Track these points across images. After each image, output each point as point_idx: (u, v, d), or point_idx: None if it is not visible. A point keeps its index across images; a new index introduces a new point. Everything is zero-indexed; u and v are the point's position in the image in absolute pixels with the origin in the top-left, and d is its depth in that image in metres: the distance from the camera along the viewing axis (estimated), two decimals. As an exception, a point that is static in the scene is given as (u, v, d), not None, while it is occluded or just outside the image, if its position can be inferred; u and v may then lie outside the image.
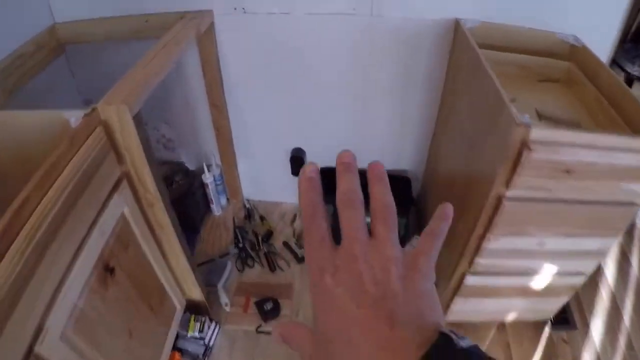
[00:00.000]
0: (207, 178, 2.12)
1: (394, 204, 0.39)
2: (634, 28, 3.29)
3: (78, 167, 0.98)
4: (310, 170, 0.41)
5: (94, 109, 1.06)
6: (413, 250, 0.38)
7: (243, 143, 2.14)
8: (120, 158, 1.16)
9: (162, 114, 2.05)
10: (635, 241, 1.96)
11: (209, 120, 2.02)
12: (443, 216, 0.41)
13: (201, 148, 2.19)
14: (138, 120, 1.11)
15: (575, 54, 1.61)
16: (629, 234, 1.90)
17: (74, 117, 1.04)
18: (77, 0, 1.68)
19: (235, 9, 1.66)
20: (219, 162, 2.19)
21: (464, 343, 0.30)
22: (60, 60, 1.76)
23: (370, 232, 0.37)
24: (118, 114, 1.07)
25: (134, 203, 1.26)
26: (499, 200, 1.24)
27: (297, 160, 2.08)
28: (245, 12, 1.67)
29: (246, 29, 1.72)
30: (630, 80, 3.05)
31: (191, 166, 2.25)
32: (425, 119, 1.99)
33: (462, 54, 1.60)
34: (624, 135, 1.17)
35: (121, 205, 1.19)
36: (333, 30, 1.70)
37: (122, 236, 1.22)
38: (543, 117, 1.36)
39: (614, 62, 3.09)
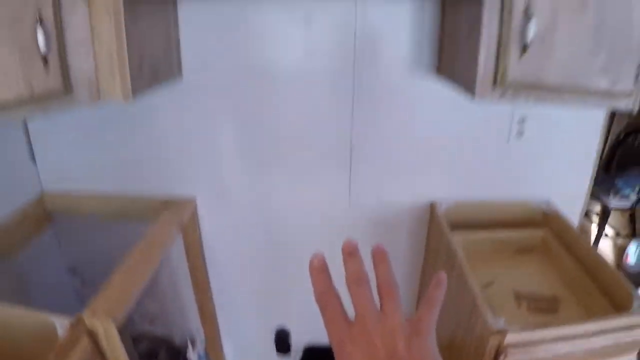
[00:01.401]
0: (192, 356, 2.05)
1: (396, 281, 0.47)
2: (604, 158, 3.47)
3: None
4: (317, 261, 0.48)
5: (79, 319, 1.05)
6: (415, 318, 0.45)
7: (228, 323, 2.10)
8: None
9: (146, 289, 2.02)
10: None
11: (192, 299, 1.99)
12: (437, 284, 0.49)
13: (186, 325, 2.14)
14: (125, 331, 1.13)
15: (548, 220, 1.67)
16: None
17: (61, 325, 1.02)
18: (67, 172, 1.73)
19: (217, 197, 1.73)
20: (204, 339, 2.14)
21: None
22: (47, 229, 1.76)
23: (380, 306, 0.45)
24: (104, 327, 1.06)
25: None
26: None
27: (280, 340, 2.05)
28: (227, 201, 1.73)
29: (228, 215, 1.77)
30: (607, 211, 3.15)
31: (177, 341, 2.19)
32: (406, 301, 2.00)
33: (438, 241, 1.64)
34: (594, 321, 1.18)
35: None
36: (312, 215, 1.77)
37: None
38: (522, 298, 1.38)
39: (591, 195, 3.20)
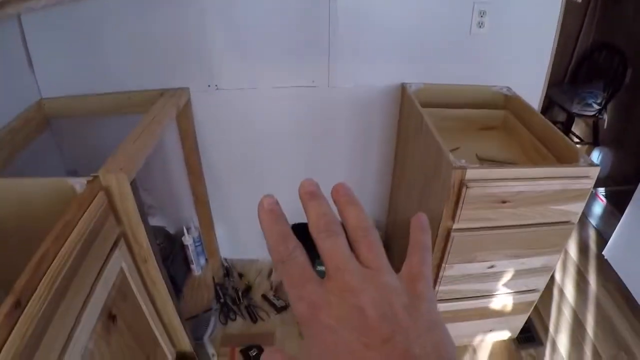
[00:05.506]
0: (187, 240, 2.25)
1: (373, 225, 0.35)
2: (570, 71, 3.66)
3: (86, 227, 1.10)
4: (268, 202, 0.37)
5: (95, 177, 1.21)
6: (406, 274, 0.34)
7: (219, 206, 2.31)
8: (118, 220, 1.30)
9: (141, 182, 2.15)
10: (591, 260, 2.21)
11: (187, 187, 2.18)
12: (421, 228, 0.38)
13: (180, 212, 2.32)
14: (134, 186, 1.27)
15: (509, 102, 1.86)
16: (584, 253, 2.18)
17: (79, 183, 1.19)
18: (63, 77, 1.81)
19: (209, 86, 1.87)
20: (197, 225, 2.33)
21: None
22: (46, 133, 1.85)
23: (357, 258, 0.33)
24: (117, 181, 1.22)
25: (130, 259, 1.38)
26: (448, 233, 1.44)
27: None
28: (217, 89, 1.88)
29: (219, 104, 1.93)
30: (571, 118, 3.37)
31: (171, 229, 2.38)
32: (383, 174, 2.24)
33: (409, 114, 1.84)
34: (543, 166, 1.41)
35: (120, 260, 1.32)
36: (295, 100, 1.94)
37: (122, 288, 1.33)
38: (482, 160, 1.58)
39: (556, 104, 3.43)
